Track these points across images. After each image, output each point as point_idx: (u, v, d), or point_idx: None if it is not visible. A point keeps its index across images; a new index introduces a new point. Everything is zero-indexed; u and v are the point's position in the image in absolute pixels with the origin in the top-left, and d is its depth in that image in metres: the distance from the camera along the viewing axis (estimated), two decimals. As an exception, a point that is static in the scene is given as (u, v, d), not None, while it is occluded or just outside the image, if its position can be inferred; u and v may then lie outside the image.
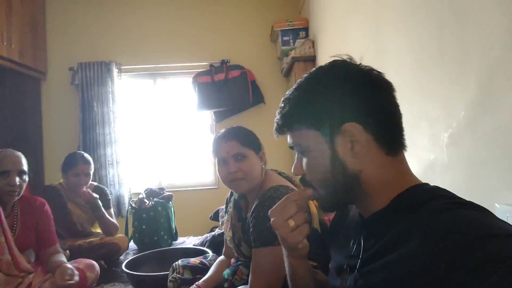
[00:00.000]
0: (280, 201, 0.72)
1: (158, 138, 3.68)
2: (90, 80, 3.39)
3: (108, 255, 2.24)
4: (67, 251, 2.08)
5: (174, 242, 2.62)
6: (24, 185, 1.68)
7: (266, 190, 1.21)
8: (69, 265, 1.65)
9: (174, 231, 2.65)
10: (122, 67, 3.52)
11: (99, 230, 2.41)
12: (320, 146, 0.63)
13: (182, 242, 2.68)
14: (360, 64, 0.67)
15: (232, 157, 1.25)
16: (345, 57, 0.68)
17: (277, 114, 0.70)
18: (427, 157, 1.34)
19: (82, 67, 3.40)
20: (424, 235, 0.53)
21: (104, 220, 2.31)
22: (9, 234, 1.61)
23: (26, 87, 3.26)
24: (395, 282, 0.55)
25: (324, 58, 2.65)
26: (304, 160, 0.67)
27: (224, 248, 1.61)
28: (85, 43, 3.51)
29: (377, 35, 1.75)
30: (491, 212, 0.55)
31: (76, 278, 1.58)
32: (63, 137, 3.43)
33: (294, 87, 0.68)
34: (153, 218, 2.47)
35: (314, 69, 0.69)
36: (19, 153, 1.69)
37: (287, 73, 3.39)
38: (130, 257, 2.09)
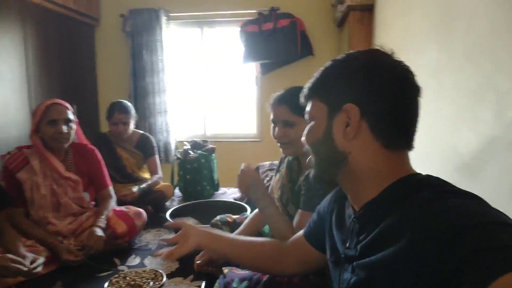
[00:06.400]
0: None
1: (204, 88, 3.70)
2: (140, 28, 3.41)
3: (155, 201, 2.40)
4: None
5: (215, 192, 2.73)
6: (72, 133, 1.77)
7: None
8: (98, 231, 1.66)
9: (216, 182, 2.76)
10: (170, 14, 3.47)
11: (147, 175, 2.56)
12: (321, 118, 0.68)
13: (224, 193, 2.77)
14: (392, 56, 0.66)
15: (281, 122, 1.25)
16: (384, 49, 0.67)
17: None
18: (489, 133, 1.19)
19: (133, 13, 3.41)
20: (415, 227, 0.54)
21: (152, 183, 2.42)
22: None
23: (81, 34, 3.36)
24: (390, 275, 0.56)
25: (384, 7, 2.37)
26: (307, 127, 0.72)
27: None
28: (135, -12, 3.47)
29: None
30: (482, 199, 0.54)
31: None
32: (116, 85, 3.58)
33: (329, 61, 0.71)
34: (197, 169, 2.57)
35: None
36: (65, 104, 1.77)
37: (341, 23, 3.12)
38: (174, 206, 2.22)
